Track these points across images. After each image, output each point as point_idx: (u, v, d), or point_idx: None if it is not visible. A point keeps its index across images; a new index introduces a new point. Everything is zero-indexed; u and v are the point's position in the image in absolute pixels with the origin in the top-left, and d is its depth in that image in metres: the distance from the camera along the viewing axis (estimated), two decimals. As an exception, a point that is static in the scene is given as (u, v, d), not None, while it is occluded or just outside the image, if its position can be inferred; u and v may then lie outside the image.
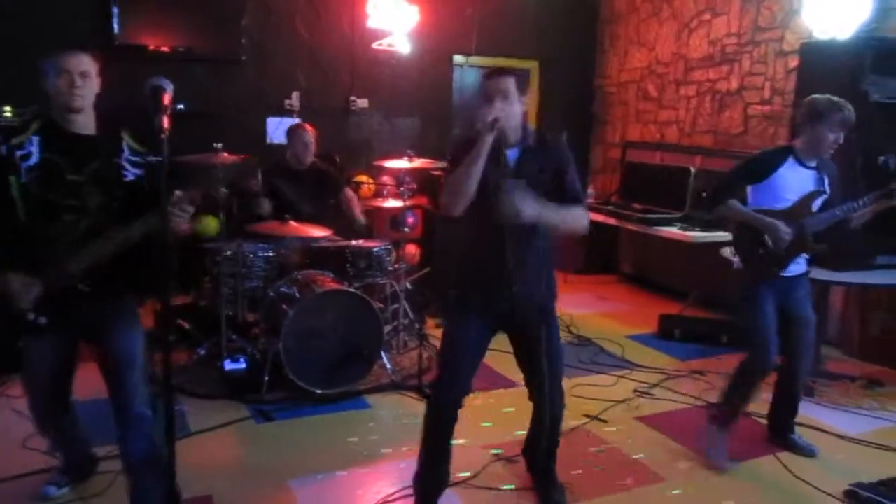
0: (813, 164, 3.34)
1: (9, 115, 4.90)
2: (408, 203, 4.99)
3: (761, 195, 3.39)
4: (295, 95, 6.46)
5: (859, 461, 3.53)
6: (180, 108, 5.39)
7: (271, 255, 4.45)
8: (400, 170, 5.28)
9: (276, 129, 6.19)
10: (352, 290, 4.15)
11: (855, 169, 4.26)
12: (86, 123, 2.57)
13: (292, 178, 4.84)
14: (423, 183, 5.97)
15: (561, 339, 2.98)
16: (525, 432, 3.14)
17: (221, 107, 6.09)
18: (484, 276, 2.72)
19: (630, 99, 7.43)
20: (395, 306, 4.87)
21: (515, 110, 2.65)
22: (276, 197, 4.71)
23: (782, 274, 3.37)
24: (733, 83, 6.16)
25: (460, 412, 2.76)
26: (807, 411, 3.87)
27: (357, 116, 6.79)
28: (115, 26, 5.62)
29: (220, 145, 4.41)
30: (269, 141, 6.33)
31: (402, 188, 4.92)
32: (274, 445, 3.53)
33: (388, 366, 4.37)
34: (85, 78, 2.50)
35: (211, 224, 5.44)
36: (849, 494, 3.15)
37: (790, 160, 3.33)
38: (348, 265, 4.47)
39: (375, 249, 4.56)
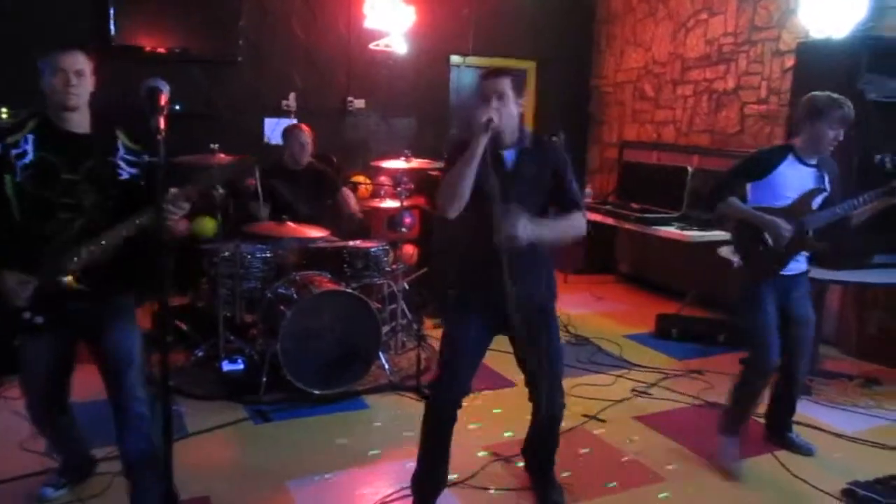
0: (813, 161, 3.34)
1: (5, 116, 4.90)
2: (405, 203, 4.99)
3: (761, 193, 3.38)
4: (292, 96, 6.46)
5: (856, 459, 3.54)
6: (177, 109, 5.40)
7: (269, 255, 4.44)
8: (397, 170, 5.28)
9: (273, 130, 6.19)
10: (349, 290, 4.14)
11: (852, 168, 4.26)
12: (81, 122, 2.58)
13: (289, 179, 4.84)
14: (421, 183, 5.98)
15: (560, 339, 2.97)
16: (524, 433, 3.14)
17: (218, 108, 6.08)
18: (482, 276, 2.71)
19: (627, 99, 7.43)
20: (393, 307, 4.87)
21: (512, 111, 2.64)
22: (273, 197, 4.71)
23: (782, 272, 3.36)
24: (730, 83, 6.17)
25: (459, 412, 2.76)
26: (804, 410, 3.88)
27: (354, 117, 6.79)
28: (112, 27, 5.62)
29: (216, 146, 4.42)
30: (266, 141, 6.32)
31: (399, 188, 4.92)
32: (272, 446, 3.52)
33: (386, 366, 4.37)
34: (80, 76, 2.51)
35: (208, 225, 5.44)
36: (846, 493, 3.16)
37: (790, 158, 3.32)
38: (346, 266, 4.47)
39: (373, 250, 4.56)
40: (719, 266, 4.62)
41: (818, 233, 3.36)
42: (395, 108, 6.97)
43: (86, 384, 2.94)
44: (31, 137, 2.50)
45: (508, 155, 2.70)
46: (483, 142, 2.53)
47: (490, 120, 2.53)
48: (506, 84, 2.63)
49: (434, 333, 5.01)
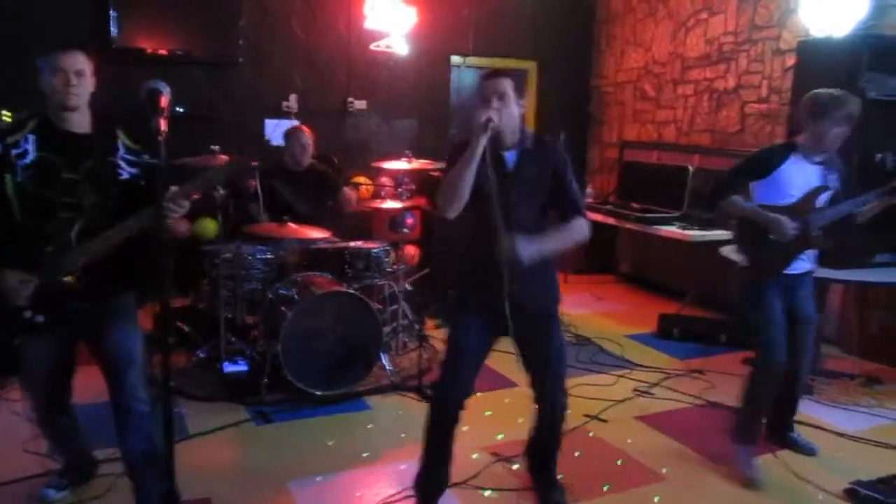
0: (818, 159, 3.30)
1: (6, 118, 4.90)
2: (406, 204, 4.99)
3: (765, 191, 3.35)
4: (293, 97, 6.46)
5: (858, 459, 3.53)
6: (179, 111, 5.40)
7: (270, 256, 4.44)
8: (398, 171, 5.28)
9: (274, 131, 6.18)
10: (350, 291, 4.14)
11: (852, 166, 4.25)
12: (81, 122, 2.58)
13: (290, 180, 4.83)
14: (422, 184, 5.98)
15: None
16: (526, 433, 3.13)
17: (219, 109, 6.09)
18: (482, 277, 2.70)
19: (627, 99, 7.43)
20: (395, 307, 4.87)
21: (513, 112, 2.64)
22: (273, 199, 4.71)
23: (788, 271, 3.33)
24: (730, 82, 6.17)
25: (461, 413, 2.76)
26: (806, 409, 3.88)
27: (355, 118, 6.79)
28: (113, 29, 5.63)
29: (217, 147, 4.42)
30: (267, 139, 6.32)
31: (400, 189, 4.92)
32: (273, 447, 3.52)
33: (388, 367, 4.37)
34: (80, 76, 2.51)
35: (209, 226, 5.45)
36: (849, 493, 3.16)
37: (794, 156, 3.30)
38: (347, 266, 4.46)
39: (374, 250, 4.55)
40: (720, 265, 4.62)
41: (823, 231, 3.33)
42: (396, 109, 6.97)
43: (87, 385, 2.94)
44: (31, 137, 2.51)
45: (510, 156, 2.69)
46: (483, 142, 2.52)
47: (489, 119, 2.52)
48: (507, 84, 2.62)
49: (436, 334, 5.01)
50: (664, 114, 6.93)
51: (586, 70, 7.91)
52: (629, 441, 3.68)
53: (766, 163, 3.34)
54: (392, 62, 6.82)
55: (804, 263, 3.39)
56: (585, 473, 3.31)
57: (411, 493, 2.91)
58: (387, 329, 4.66)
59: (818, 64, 4.71)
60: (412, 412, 3.87)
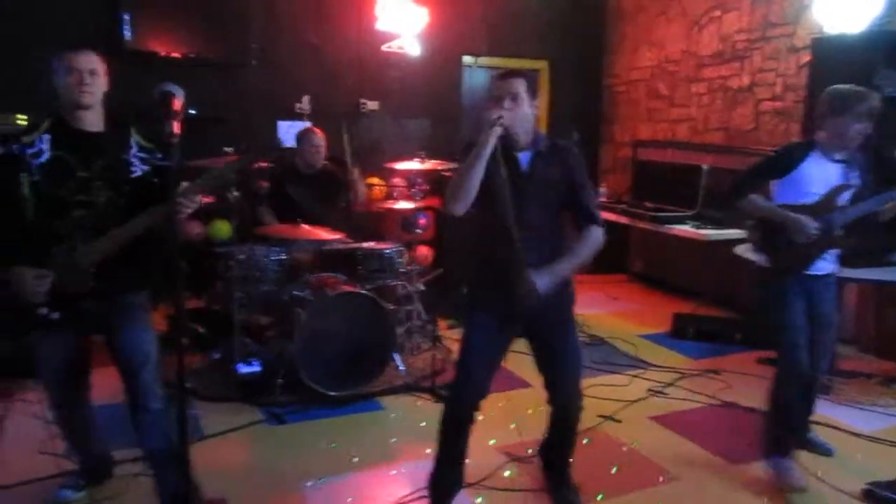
0: (840, 157, 3.22)
1: (23, 123, 4.95)
2: (419, 204, 4.99)
3: (785, 190, 3.28)
4: (305, 99, 6.47)
5: (876, 459, 3.50)
6: (191, 114, 5.43)
7: (283, 258, 4.45)
8: (411, 171, 5.28)
9: (287, 133, 6.21)
10: (364, 291, 4.15)
11: (868, 164, 4.21)
12: (94, 121, 2.61)
13: (302, 182, 4.84)
14: (435, 184, 5.98)
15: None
16: (540, 434, 3.13)
17: (232, 111, 6.12)
18: (495, 278, 2.70)
19: (640, 97, 7.40)
20: (408, 308, 4.88)
21: (526, 112, 2.63)
22: (284, 201, 4.72)
23: (810, 272, 3.25)
24: (745, 80, 6.13)
25: (475, 413, 2.76)
26: (822, 409, 3.83)
27: (367, 119, 6.80)
28: (127, 33, 5.66)
29: (230, 149, 4.44)
30: (276, 142, 6.34)
31: (413, 189, 4.92)
32: (287, 448, 3.54)
33: (401, 367, 4.37)
34: (94, 75, 2.55)
35: (223, 228, 5.48)
36: (866, 494, 3.13)
37: (814, 154, 3.22)
38: (360, 267, 4.47)
39: (387, 251, 4.56)
40: (735, 265, 4.59)
41: (846, 230, 3.25)
42: (408, 110, 6.97)
43: (105, 386, 2.97)
44: (46, 137, 2.55)
45: (523, 157, 2.69)
46: (492, 139, 2.51)
47: (500, 117, 2.52)
48: (519, 85, 2.62)
49: (449, 334, 5.01)
50: (678, 112, 6.90)
51: (598, 69, 7.88)
52: (643, 441, 3.66)
53: (785, 161, 3.26)
54: (404, 63, 6.83)
55: (826, 264, 3.30)
56: (599, 474, 3.30)
57: (425, 493, 2.92)
58: (400, 330, 4.66)
59: (833, 61, 4.67)
60: (426, 413, 3.87)
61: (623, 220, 6.29)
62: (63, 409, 2.86)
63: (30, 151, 2.51)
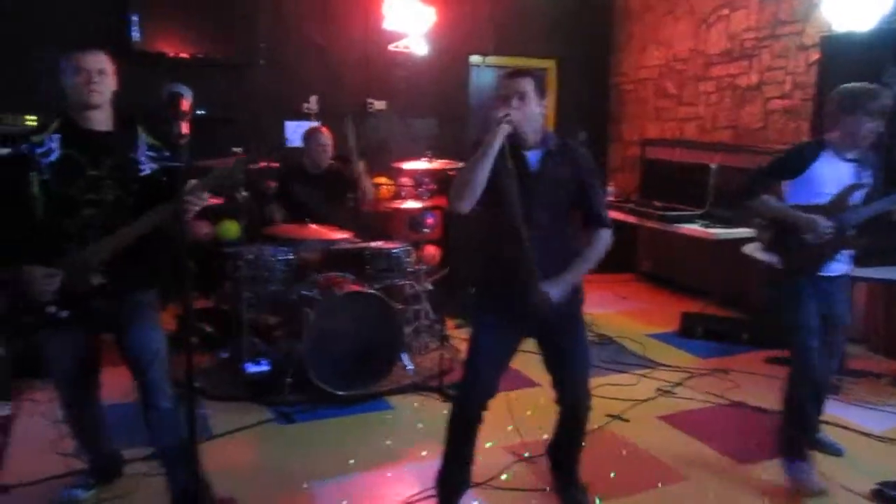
0: (852, 156, 3.18)
1: (32, 124, 4.98)
2: (426, 204, 4.99)
3: (797, 191, 3.24)
4: (313, 99, 6.48)
5: (886, 459, 3.49)
6: (200, 114, 5.45)
7: (291, 258, 4.46)
8: (418, 171, 5.29)
9: (295, 133, 6.22)
10: (372, 291, 4.15)
11: (880, 162, 4.19)
12: (103, 120, 2.63)
13: (309, 182, 4.85)
14: (442, 184, 5.98)
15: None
16: (548, 433, 3.12)
17: (240, 111, 6.13)
18: (505, 277, 2.70)
19: (648, 96, 7.38)
20: (416, 307, 4.88)
21: (534, 111, 2.63)
22: (291, 200, 4.73)
23: (825, 274, 3.20)
24: (753, 78, 6.10)
25: (483, 413, 2.76)
26: (832, 409, 3.82)
27: (375, 118, 6.81)
28: (135, 34, 5.68)
29: (239, 149, 4.45)
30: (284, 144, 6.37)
31: (420, 189, 4.92)
32: (296, 447, 3.55)
33: (409, 367, 4.38)
34: (102, 75, 2.57)
35: (231, 228, 5.50)
36: (875, 494, 3.12)
37: (826, 153, 3.17)
38: (367, 267, 4.48)
39: (394, 251, 4.56)
40: (743, 264, 4.57)
41: (858, 229, 3.21)
42: (416, 109, 6.98)
43: (116, 385, 2.98)
44: (56, 136, 2.56)
45: (532, 156, 2.68)
46: (499, 137, 2.51)
47: (507, 114, 2.52)
48: (527, 84, 2.61)
49: (456, 334, 5.01)
50: (686, 111, 6.88)
51: (605, 68, 7.87)
52: (651, 441, 3.65)
53: (796, 161, 3.23)
54: (411, 62, 6.83)
55: (840, 265, 3.25)
56: (607, 473, 3.30)
57: (433, 492, 2.91)
58: (408, 329, 4.67)
59: (842, 59, 4.65)
60: (434, 412, 3.87)
61: (631, 219, 6.28)
62: (73, 407, 2.88)
63: (39, 151, 2.53)
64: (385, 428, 3.79)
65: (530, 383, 4.27)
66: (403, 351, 4.32)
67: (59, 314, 2.53)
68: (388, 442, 3.61)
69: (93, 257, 2.52)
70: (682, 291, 6.68)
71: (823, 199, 3.19)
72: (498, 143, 2.51)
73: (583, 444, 3.00)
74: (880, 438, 3.71)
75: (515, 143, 2.61)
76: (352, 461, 3.39)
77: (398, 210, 5.54)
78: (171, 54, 5.85)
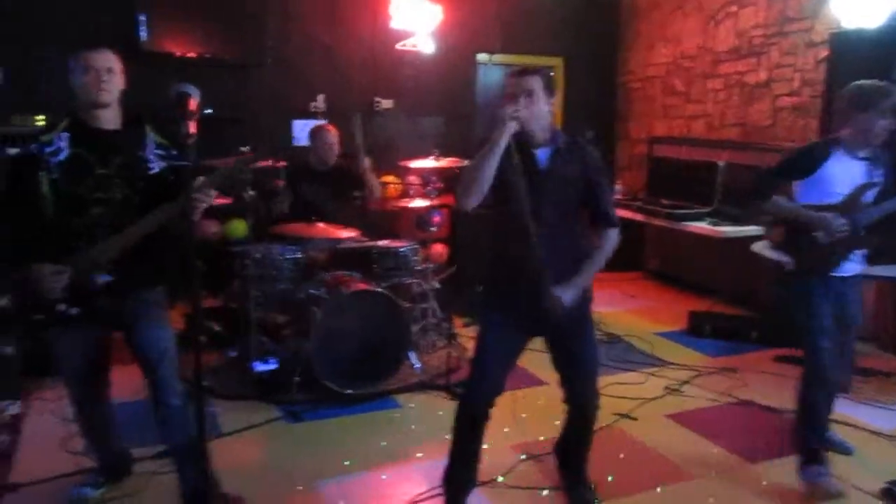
0: (864, 154, 3.14)
1: (42, 124, 5.00)
2: (434, 202, 4.99)
3: (808, 190, 3.20)
4: (320, 98, 6.49)
5: (895, 458, 3.47)
6: (207, 113, 5.46)
7: (299, 256, 4.47)
8: (425, 169, 5.29)
9: (302, 132, 6.23)
10: (379, 290, 4.15)
11: (892, 161, 4.16)
12: (111, 119, 2.64)
13: (315, 180, 4.85)
14: (449, 182, 5.97)
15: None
16: (556, 432, 3.12)
17: (248, 111, 6.15)
18: (512, 275, 2.70)
19: (656, 94, 7.36)
20: (423, 305, 4.88)
21: (542, 109, 2.62)
22: (298, 199, 4.73)
23: (838, 274, 3.17)
24: (762, 75, 6.08)
25: (490, 411, 2.76)
26: (842, 408, 3.79)
27: (382, 117, 6.81)
28: (143, 34, 5.70)
29: (247, 148, 4.46)
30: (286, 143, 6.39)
31: (428, 187, 4.92)
32: (304, 446, 3.55)
33: (417, 365, 4.38)
34: (111, 74, 2.58)
35: (239, 227, 5.51)
36: (885, 493, 3.10)
37: (837, 152, 3.13)
38: (375, 265, 4.48)
39: (402, 249, 4.57)
40: (751, 262, 4.56)
41: (869, 228, 3.18)
42: (423, 108, 6.98)
43: (126, 383, 3.00)
44: (65, 135, 2.57)
45: (541, 154, 2.67)
46: (506, 134, 2.50)
47: (515, 111, 2.51)
48: (535, 82, 2.60)
49: (464, 332, 5.02)
50: (693, 108, 6.85)
51: (613, 66, 7.84)
52: (659, 439, 3.65)
53: (808, 161, 3.18)
54: (418, 61, 6.83)
55: (853, 266, 3.22)
56: (616, 472, 3.29)
57: (440, 491, 2.92)
58: (415, 327, 4.67)
59: (851, 56, 4.63)
60: (441, 410, 3.87)
61: (639, 217, 6.26)
62: (83, 406, 2.90)
63: (48, 150, 2.54)
64: (392, 426, 3.80)
65: (537, 381, 4.27)
66: (411, 349, 4.33)
67: (68, 311, 2.54)
68: (396, 440, 3.62)
69: (101, 256, 2.53)
70: (690, 289, 6.66)
71: (836, 199, 3.15)
72: (504, 140, 2.50)
73: (591, 442, 2.99)
74: (890, 437, 3.69)
75: (524, 141, 2.61)
76: (359, 459, 3.39)
77: (405, 209, 5.54)
78: (179, 54, 5.86)
